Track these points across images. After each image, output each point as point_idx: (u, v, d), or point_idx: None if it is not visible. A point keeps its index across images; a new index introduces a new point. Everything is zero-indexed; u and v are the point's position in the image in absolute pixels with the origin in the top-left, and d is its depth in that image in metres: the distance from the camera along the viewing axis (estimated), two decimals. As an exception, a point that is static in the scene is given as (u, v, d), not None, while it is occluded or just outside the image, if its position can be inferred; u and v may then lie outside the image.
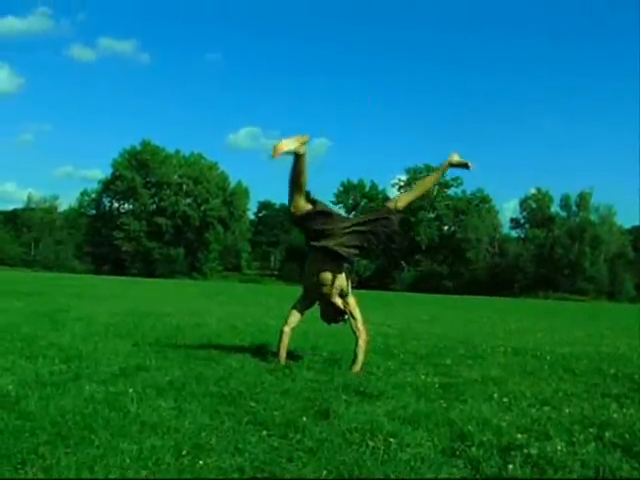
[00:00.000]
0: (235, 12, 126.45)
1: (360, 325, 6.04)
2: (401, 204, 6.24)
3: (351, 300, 6.10)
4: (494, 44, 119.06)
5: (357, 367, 5.86)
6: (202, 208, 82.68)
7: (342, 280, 6.01)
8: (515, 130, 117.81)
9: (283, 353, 6.02)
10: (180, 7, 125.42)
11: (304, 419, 3.85)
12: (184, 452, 3.17)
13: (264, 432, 3.59)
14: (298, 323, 6.15)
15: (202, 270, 78.22)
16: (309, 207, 5.84)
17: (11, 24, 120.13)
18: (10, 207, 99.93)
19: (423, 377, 5.58)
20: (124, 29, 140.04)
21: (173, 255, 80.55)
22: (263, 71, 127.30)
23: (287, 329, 6.03)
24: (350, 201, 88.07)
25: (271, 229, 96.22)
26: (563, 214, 79.77)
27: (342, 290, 6.04)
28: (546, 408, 4.48)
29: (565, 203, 79.42)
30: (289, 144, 5.53)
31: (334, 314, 6.19)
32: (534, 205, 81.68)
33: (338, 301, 6.04)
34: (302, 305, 6.18)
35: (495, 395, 4.85)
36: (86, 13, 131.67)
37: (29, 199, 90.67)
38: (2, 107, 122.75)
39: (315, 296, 6.12)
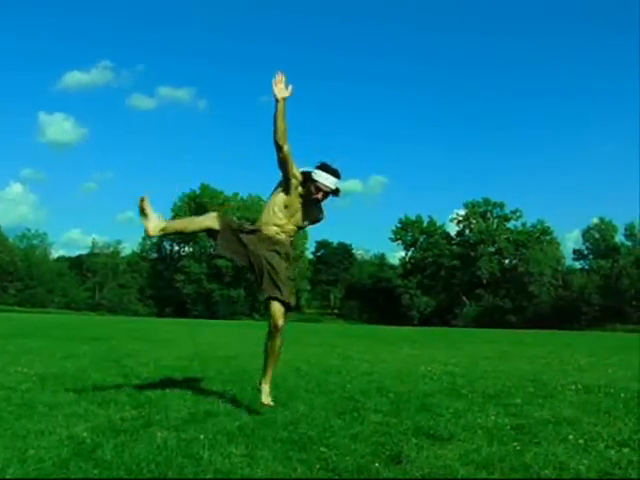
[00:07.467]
0: (286, 55, 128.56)
1: None
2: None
3: None
4: (550, 72, 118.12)
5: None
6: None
7: None
8: (573, 158, 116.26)
9: None
10: (234, 53, 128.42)
11: (376, 464, 3.80)
12: (259, 500, 3.17)
13: (337, 478, 3.56)
14: None
15: (263, 311, 78.58)
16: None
17: (76, 78, 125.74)
18: (76, 253, 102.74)
19: (493, 418, 5.44)
20: (181, 77, 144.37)
21: (234, 296, 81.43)
22: (315, 111, 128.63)
23: None
24: (409, 237, 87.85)
25: (329, 268, 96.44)
26: (628, 243, 77.85)
27: None
28: (625, 450, 4.30)
29: (630, 232, 77.53)
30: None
31: None
32: (597, 235, 79.93)
33: None
34: None
35: (570, 436, 4.69)
36: (145, 64, 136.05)
37: (93, 245, 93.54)
38: (67, 157, 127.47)
39: None
